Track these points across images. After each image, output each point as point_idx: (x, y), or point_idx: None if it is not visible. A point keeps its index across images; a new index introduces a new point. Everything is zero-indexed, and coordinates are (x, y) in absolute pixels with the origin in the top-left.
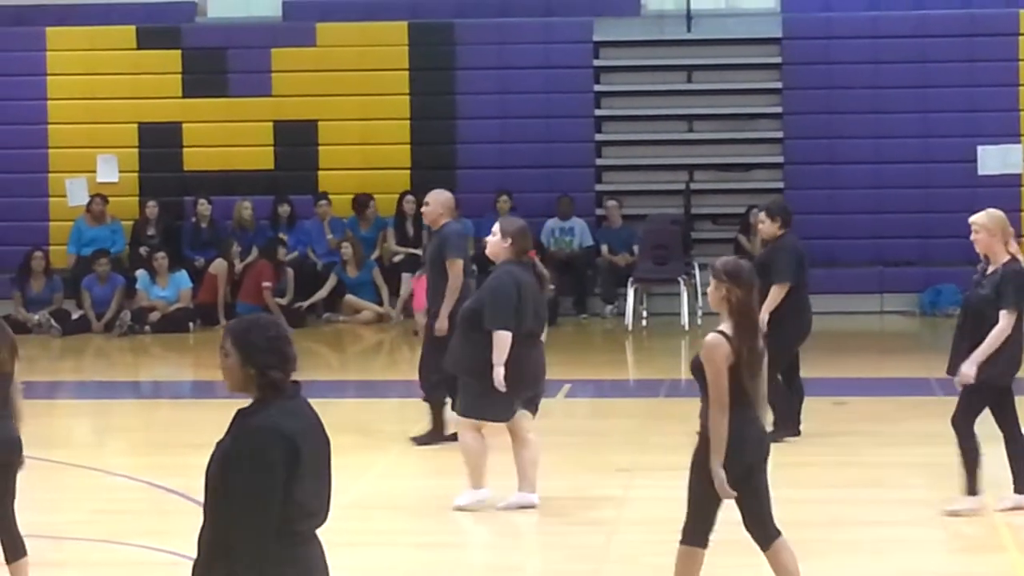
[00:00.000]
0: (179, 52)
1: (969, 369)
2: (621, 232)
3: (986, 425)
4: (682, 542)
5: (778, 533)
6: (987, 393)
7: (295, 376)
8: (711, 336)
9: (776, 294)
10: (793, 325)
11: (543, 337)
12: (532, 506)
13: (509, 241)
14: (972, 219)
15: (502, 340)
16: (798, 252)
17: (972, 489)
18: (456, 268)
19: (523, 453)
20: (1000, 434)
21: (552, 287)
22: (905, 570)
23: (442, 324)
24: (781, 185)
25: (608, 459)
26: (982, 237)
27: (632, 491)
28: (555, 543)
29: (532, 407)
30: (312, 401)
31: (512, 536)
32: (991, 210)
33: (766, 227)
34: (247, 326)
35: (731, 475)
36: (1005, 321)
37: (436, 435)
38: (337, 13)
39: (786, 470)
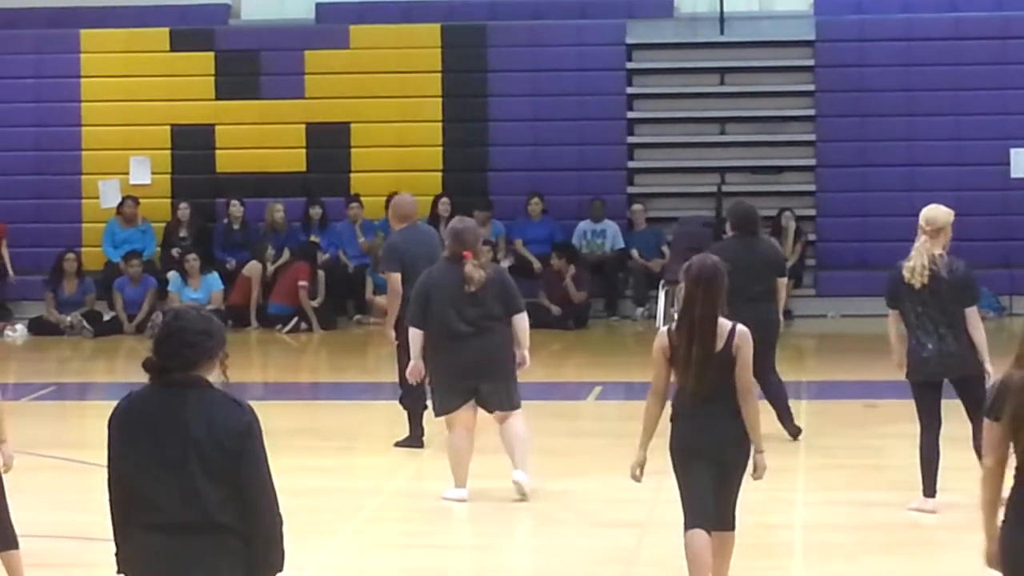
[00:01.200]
0: (212, 54)
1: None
2: (646, 235)
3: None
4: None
5: (730, 526)
6: (912, 390)
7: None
8: (662, 328)
9: None
10: None
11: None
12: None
13: (445, 242)
14: None
15: (411, 336)
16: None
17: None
18: (391, 281)
19: (509, 440)
20: None
21: (472, 289)
22: (938, 573)
23: (388, 333)
24: (813, 188)
25: None
26: None
27: (663, 493)
28: (585, 545)
29: (485, 402)
30: (344, 403)
31: (541, 538)
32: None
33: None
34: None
35: (673, 456)
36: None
37: (415, 439)
38: (370, 15)
39: (818, 473)
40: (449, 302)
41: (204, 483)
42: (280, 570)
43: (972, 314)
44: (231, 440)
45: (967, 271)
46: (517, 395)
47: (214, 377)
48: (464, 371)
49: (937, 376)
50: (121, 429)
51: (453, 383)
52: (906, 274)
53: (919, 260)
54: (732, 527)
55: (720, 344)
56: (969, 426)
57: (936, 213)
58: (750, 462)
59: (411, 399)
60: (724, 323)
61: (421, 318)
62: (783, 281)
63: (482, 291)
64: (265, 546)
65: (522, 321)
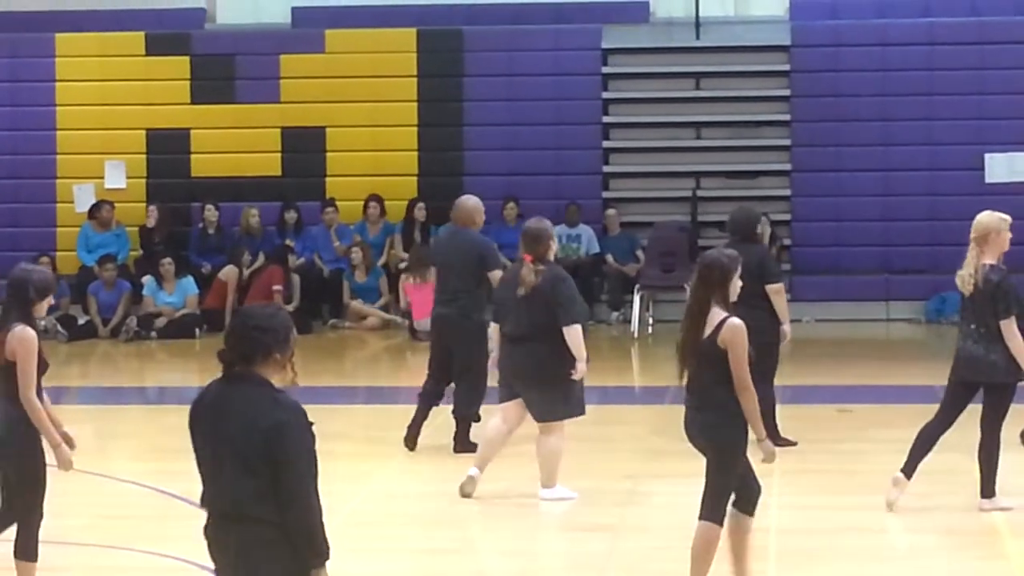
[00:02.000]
0: (188, 58)
1: None
2: (621, 239)
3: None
4: None
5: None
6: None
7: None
8: None
9: None
10: None
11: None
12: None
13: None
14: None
15: (490, 330)
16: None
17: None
18: None
19: (538, 454)
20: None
21: (521, 290)
22: None
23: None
24: (788, 192)
25: (613, 466)
26: None
27: (637, 497)
28: (558, 549)
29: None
30: (319, 407)
31: (516, 541)
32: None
33: None
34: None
35: None
36: None
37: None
38: (346, 20)
39: (791, 477)
40: (511, 303)
41: (239, 476)
42: (326, 558)
43: (1004, 327)
44: (261, 436)
45: (998, 284)
46: (557, 407)
47: (279, 377)
48: (509, 373)
49: (964, 376)
50: (191, 417)
51: (504, 380)
52: (958, 281)
53: (967, 269)
54: (711, 519)
55: (707, 331)
56: (968, 433)
57: (979, 219)
58: (729, 455)
59: (425, 398)
60: (718, 313)
61: (497, 314)
62: (770, 288)
63: (532, 296)
64: (304, 538)
65: (569, 333)
